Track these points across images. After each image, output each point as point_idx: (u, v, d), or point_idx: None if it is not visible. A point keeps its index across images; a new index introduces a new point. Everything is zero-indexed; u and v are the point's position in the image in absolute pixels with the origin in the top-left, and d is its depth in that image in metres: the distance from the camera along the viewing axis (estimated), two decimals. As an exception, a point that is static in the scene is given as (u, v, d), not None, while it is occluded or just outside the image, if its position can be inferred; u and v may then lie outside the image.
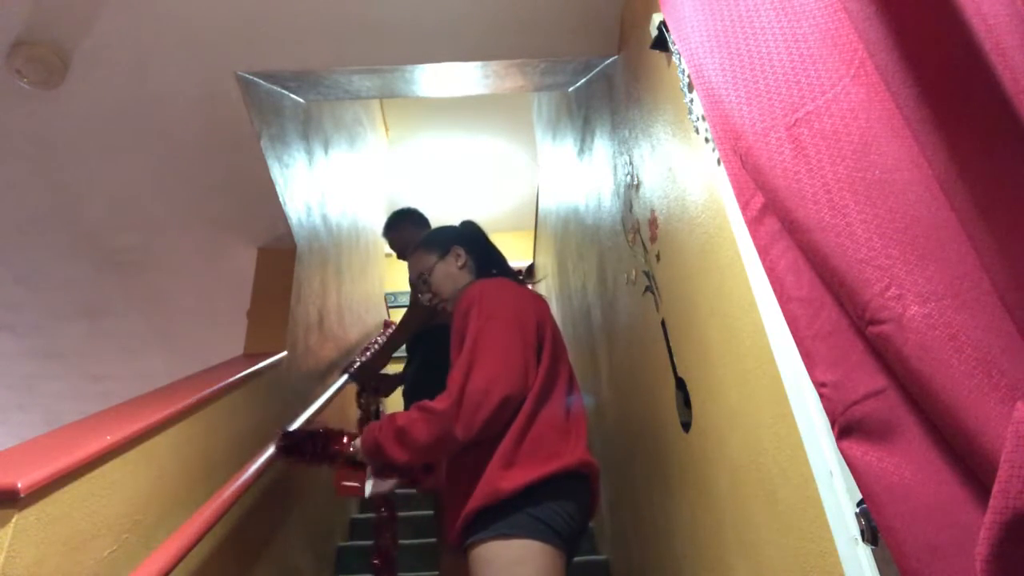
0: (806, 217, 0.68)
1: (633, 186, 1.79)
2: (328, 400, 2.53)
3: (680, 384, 1.45)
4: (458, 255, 1.61)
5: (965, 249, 0.57)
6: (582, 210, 2.76)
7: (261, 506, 1.86)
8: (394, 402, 3.42)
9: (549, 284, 4.19)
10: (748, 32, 0.82)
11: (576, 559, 1.40)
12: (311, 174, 2.71)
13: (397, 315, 4.03)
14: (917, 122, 0.59)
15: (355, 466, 1.44)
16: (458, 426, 1.25)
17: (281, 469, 1.97)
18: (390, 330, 2.93)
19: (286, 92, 2.17)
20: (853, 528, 0.79)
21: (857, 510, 0.79)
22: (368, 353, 2.95)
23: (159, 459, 1.31)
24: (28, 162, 2.13)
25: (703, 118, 1.16)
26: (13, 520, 0.88)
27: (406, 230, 2.69)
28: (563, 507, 1.26)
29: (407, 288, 3.04)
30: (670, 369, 1.51)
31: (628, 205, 1.86)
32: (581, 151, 2.72)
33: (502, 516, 1.23)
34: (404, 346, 2.82)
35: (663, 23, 1.30)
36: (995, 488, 0.47)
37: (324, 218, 2.91)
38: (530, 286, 1.65)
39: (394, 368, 2.88)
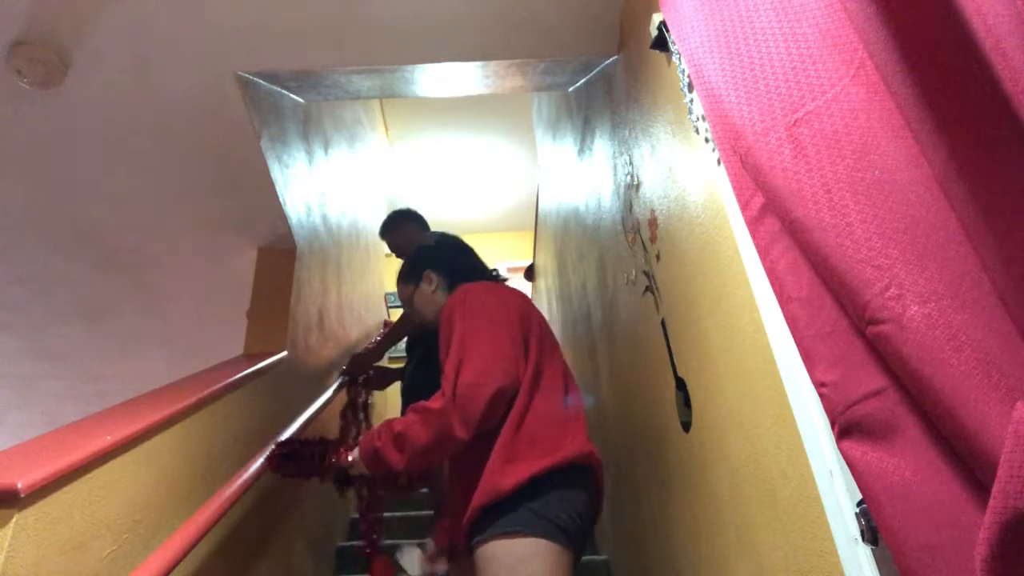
0: (806, 217, 0.68)
1: (633, 186, 1.79)
2: (328, 400, 2.53)
3: (680, 384, 1.45)
4: (430, 279, 1.66)
5: (965, 249, 0.57)
6: (582, 210, 2.76)
7: (261, 506, 1.85)
8: (392, 402, 3.42)
9: (549, 284, 4.18)
10: (748, 32, 0.82)
11: (576, 559, 1.40)
12: (311, 174, 2.71)
13: (397, 315, 4.02)
14: (917, 122, 0.59)
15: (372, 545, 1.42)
16: (456, 423, 1.25)
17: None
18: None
19: (286, 92, 2.17)
20: (853, 528, 0.79)
21: (857, 510, 0.79)
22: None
23: (159, 459, 1.31)
24: (28, 162, 2.13)
25: (703, 118, 1.16)
26: (13, 520, 0.88)
27: (403, 231, 2.69)
28: (567, 502, 1.25)
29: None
30: (670, 369, 1.51)
31: (628, 205, 1.86)
32: (581, 151, 2.72)
33: (504, 514, 1.23)
34: (404, 347, 2.82)
35: (663, 23, 1.30)
36: (995, 488, 0.47)
37: (324, 218, 2.91)
38: (509, 283, 1.69)
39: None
